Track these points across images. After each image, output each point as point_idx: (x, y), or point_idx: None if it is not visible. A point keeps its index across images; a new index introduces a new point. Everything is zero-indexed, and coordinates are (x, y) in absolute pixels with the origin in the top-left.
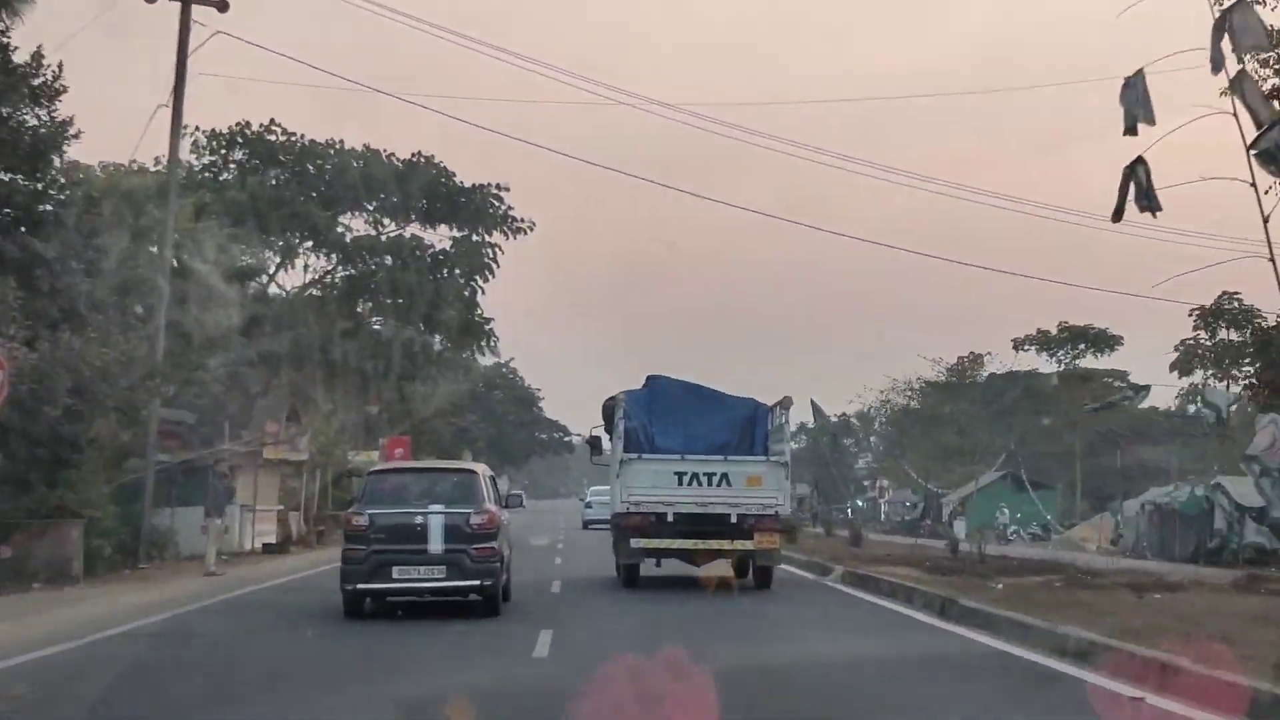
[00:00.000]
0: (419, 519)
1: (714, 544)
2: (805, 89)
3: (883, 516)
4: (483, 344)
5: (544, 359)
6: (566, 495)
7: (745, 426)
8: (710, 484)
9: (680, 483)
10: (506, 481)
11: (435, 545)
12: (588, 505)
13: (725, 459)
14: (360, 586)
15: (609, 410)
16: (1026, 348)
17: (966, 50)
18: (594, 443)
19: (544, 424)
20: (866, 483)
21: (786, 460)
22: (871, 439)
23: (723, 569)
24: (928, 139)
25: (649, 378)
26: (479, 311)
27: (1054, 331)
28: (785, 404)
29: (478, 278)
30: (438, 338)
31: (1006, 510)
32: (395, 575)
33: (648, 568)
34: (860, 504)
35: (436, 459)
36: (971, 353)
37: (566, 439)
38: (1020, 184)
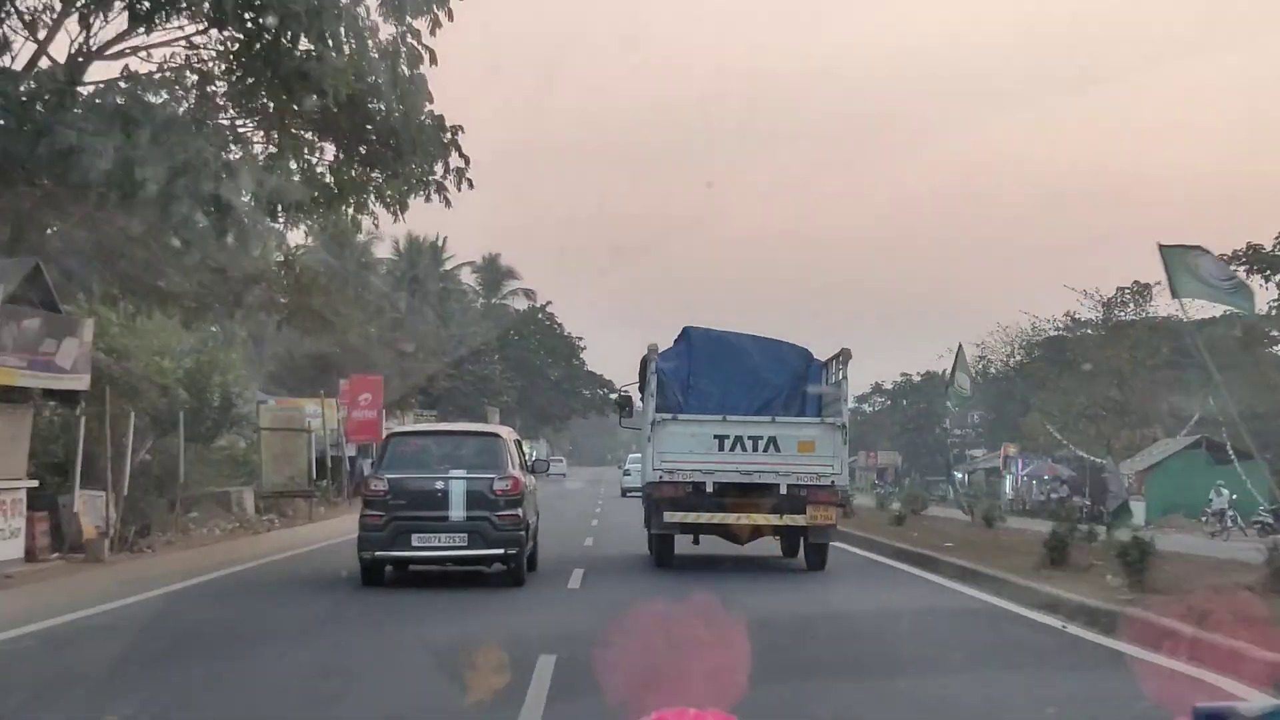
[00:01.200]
0: (440, 484)
1: (760, 518)
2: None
3: (1009, 492)
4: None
5: (585, 307)
6: (614, 463)
7: (795, 383)
8: (756, 449)
9: (721, 447)
10: (545, 446)
11: (457, 512)
12: (625, 473)
13: (773, 420)
14: (379, 554)
15: (641, 367)
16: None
17: None
18: (622, 403)
19: (586, 379)
20: (971, 453)
21: (844, 423)
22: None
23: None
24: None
25: (685, 329)
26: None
27: (1272, 247)
28: (844, 357)
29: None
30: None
31: (1225, 490)
32: (415, 543)
33: (684, 545)
34: (960, 476)
35: (449, 421)
36: (1136, 283)
37: (612, 395)
38: None
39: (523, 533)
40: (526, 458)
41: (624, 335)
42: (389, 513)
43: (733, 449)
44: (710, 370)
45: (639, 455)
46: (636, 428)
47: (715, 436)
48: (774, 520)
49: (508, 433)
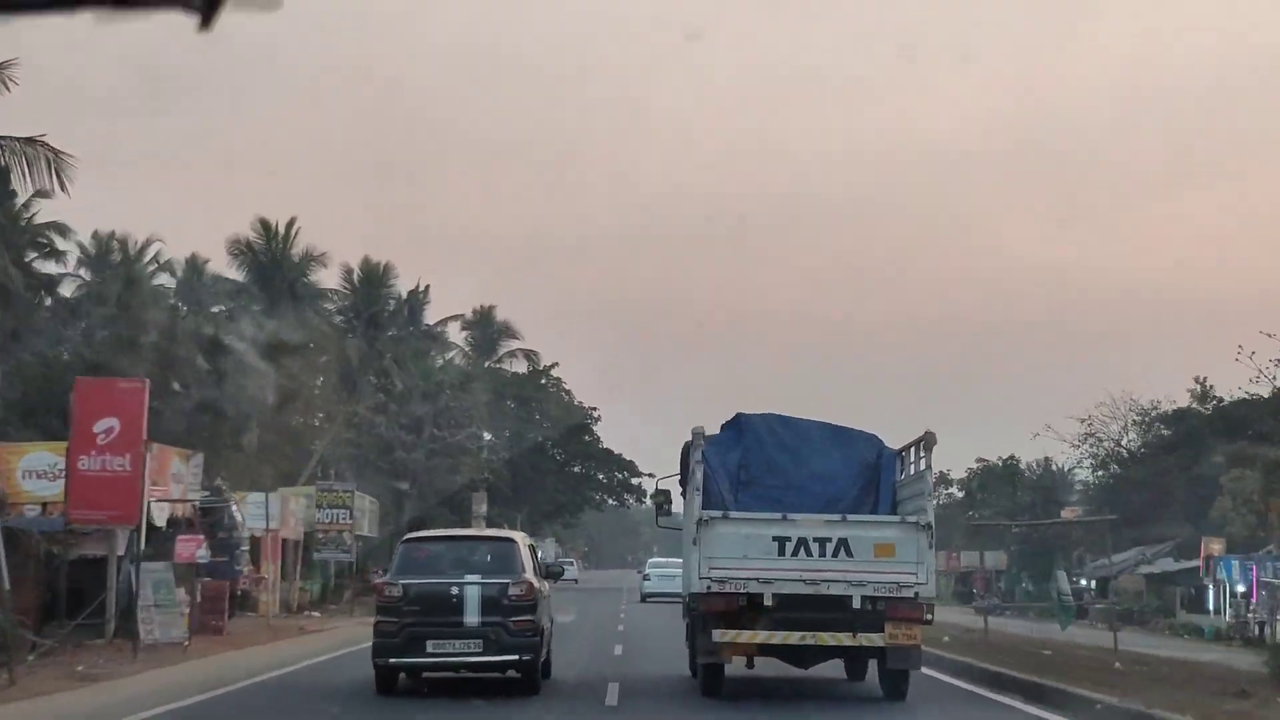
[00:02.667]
0: (454, 589)
1: (828, 637)
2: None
3: (1216, 607)
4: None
5: (601, 384)
6: (636, 565)
7: (866, 476)
8: (823, 554)
9: (781, 552)
10: (553, 546)
11: (471, 617)
12: (645, 578)
13: (844, 519)
14: (393, 661)
15: (683, 456)
16: None
17: None
18: (660, 500)
19: (601, 459)
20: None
21: (929, 521)
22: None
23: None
24: None
25: (738, 415)
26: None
27: None
28: (926, 442)
29: None
30: None
31: None
32: (430, 649)
33: (736, 666)
34: (1085, 584)
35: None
36: None
37: (635, 480)
38: None
39: (537, 639)
40: (540, 562)
41: (647, 421)
42: (402, 619)
43: (795, 553)
44: (767, 461)
45: (664, 561)
46: (676, 528)
47: (774, 539)
48: (846, 640)
49: (521, 537)
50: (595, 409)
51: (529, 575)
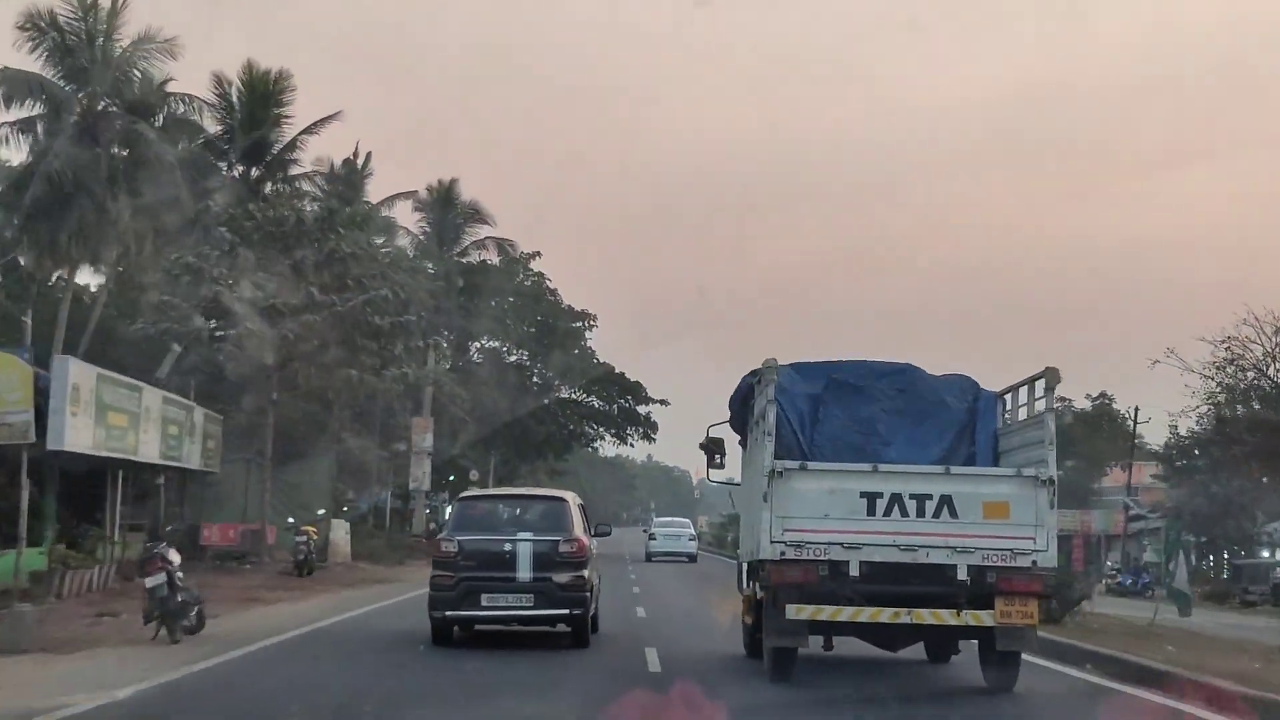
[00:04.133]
0: (508, 546)
1: (927, 614)
2: None
3: None
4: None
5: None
6: (631, 523)
7: (959, 422)
8: (922, 513)
9: (871, 510)
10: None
11: (524, 573)
12: (651, 537)
13: (947, 472)
14: (449, 614)
15: (743, 395)
16: None
17: None
18: (712, 448)
19: (596, 377)
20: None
21: (1051, 475)
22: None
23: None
24: None
25: (795, 365)
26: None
27: None
28: (1049, 380)
29: None
30: None
31: None
32: (484, 602)
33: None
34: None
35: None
36: None
37: (641, 409)
38: None
39: (587, 594)
40: (589, 520)
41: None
42: (458, 573)
43: (888, 513)
44: (845, 405)
45: (670, 520)
46: (728, 483)
47: (863, 495)
48: (949, 619)
49: (572, 497)
50: (591, 314)
51: (579, 533)
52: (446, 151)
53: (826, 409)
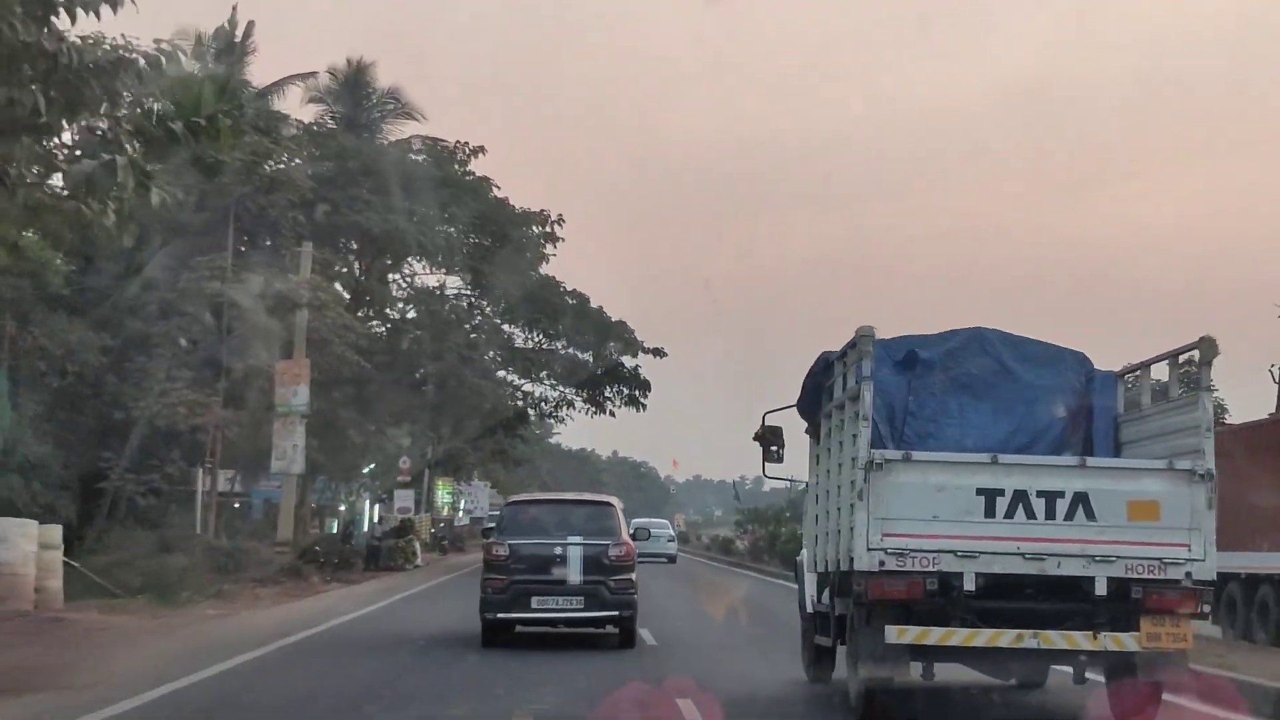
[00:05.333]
0: (558, 550)
1: (1058, 638)
2: None
3: None
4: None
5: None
6: None
7: (1072, 404)
8: (1051, 514)
9: (990, 511)
10: (486, 492)
11: (574, 576)
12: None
13: (1083, 464)
14: (500, 616)
15: (819, 375)
16: None
17: None
18: (769, 438)
19: (565, 310)
20: None
21: (1210, 468)
22: None
23: None
24: None
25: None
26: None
27: None
28: (1204, 354)
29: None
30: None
31: None
32: (534, 605)
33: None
34: None
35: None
36: None
37: (629, 364)
38: None
39: (635, 596)
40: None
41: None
42: (510, 576)
43: (1010, 514)
44: (937, 386)
45: (645, 521)
46: (786, 479)
47: (980, 492)
48: (1083, 642)
49: (617, 501)
50: (552, 216)
51: (626, 537)
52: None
53: (919, 391)
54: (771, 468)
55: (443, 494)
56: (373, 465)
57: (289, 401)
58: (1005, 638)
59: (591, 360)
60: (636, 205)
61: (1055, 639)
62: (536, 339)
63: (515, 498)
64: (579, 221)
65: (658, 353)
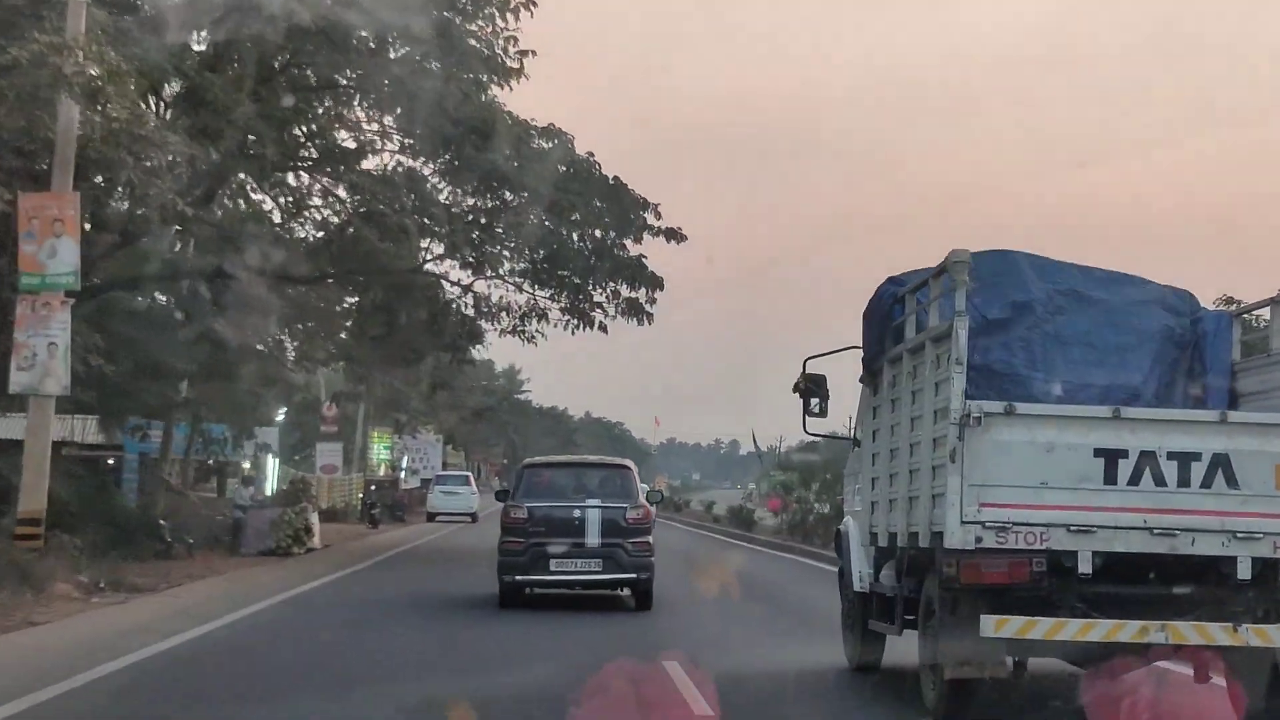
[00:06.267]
0: (577, 512)
1: (1190, 631)
2: None
3: None
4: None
5: None
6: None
7: (1175, 349)
8: (1185, 481)
9: (1112, 477)
10: (437, 449)
11: (593, 538)
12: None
13: (1222, 420)
14: (519, 578)
15: (886, 310)
16: None
17: None
18: (812, 388)
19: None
20: None
21: None
22: None
23: None
24: None
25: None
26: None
27: None
28: None
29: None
30: None
31: None
32: (553, 567)
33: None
34: None
35: None
36: None
37: (636, 260)
38: None
39: (653, 559)
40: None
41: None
42: (528, 539)
43: (1135, 480)
44: (1051, 324)
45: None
46: (829, 436)
47: (1099, 454)
48: (1221, 637)
49: (633, 465)
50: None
51: (644, 500)
52: None
53: (1027, 335)
54: (813, 423)
55: (379, 449)
56: (284, 410)
57: (43, 267)
58: (1127, 631)
59: (578, 240)
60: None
61: (1187, 633)
62: (488, 202)
63: (531, 460)
64: None
65: (674, 236)
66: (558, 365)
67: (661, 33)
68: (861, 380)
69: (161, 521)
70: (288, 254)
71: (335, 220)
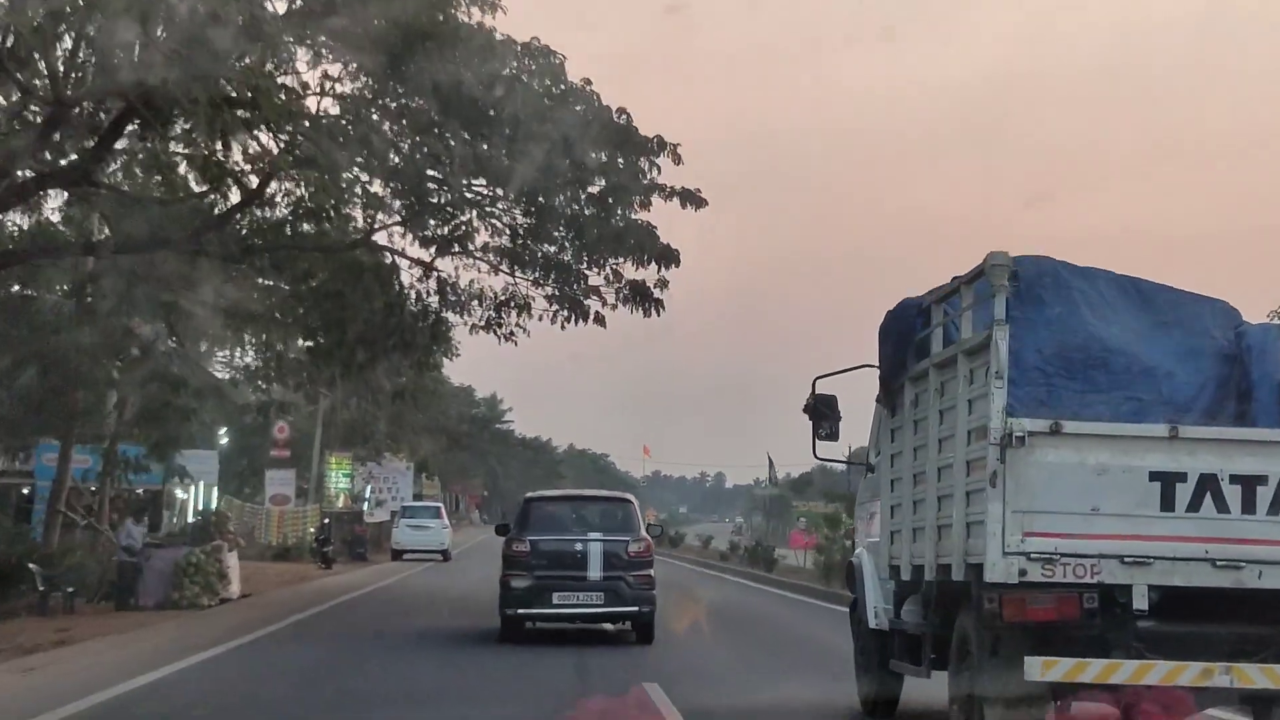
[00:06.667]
0: (579, 546)
1: (1257, 674)
2: None
3: None
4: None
5: None
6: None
7: (1219, 366)
8: (1253, 507)
9: (1169, 502)
10: (410, 479)
11: (594, 572)
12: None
13: None
14: (521, 611)
15: (908, 323)
16: None
17: None
18: (822, 409)
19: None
20: None
21: None
22: None
23: None
24: None
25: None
26: None
27: None
28: None
29: None
30: None
31: None
32: (555, 601)
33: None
34: None
35: None
36: None
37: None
38: None
39: (654, 592)
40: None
41: None
42: (530, 572)
43: (1194, 506)
44: (1071, 338)
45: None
46: (842, 462)
47: (1154, 477)
48: None
49: (634, 499)
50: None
51: (645, 534)
52: None
53: (1046, 346)
54: (824, 447)
55: (337, 476)
56: (225, 433)
57: None
58: (1188, 674)
59: (569, 200)
60: None
61: (1254, 675)
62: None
63: (533, 494)
64: None
65: (692, 200)
66: (541, 394)
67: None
68: (878, 400)
69: (31, 566)
70: (202, 223)
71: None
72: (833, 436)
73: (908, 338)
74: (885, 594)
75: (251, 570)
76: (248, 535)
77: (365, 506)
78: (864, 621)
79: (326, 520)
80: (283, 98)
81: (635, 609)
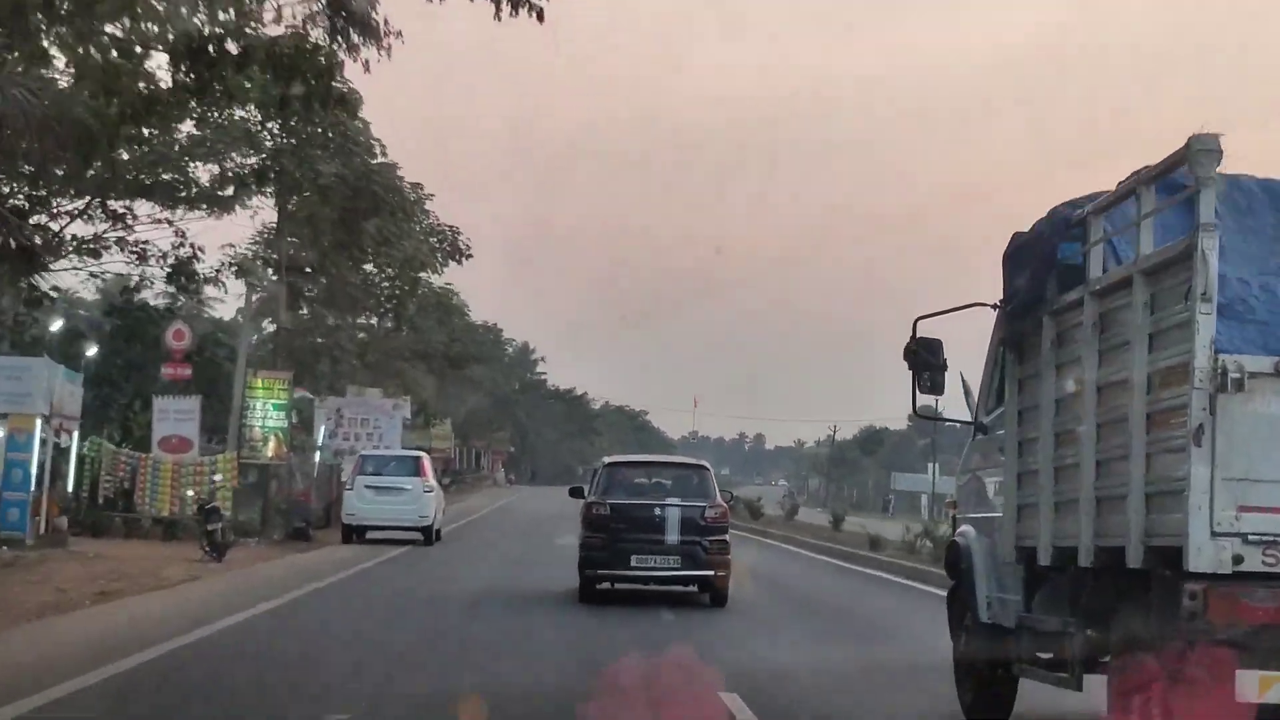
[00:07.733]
0: (657, 510)
1: None
2: None
3: None
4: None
5: None
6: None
7: None
8: None
9: None
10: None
11: (672, 536)
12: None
13: None
14: (601, 572)
15: (1049, 241)
16: None
17: None
18: (925, 355)
19: None
20: None
21: None
22: None
23: None
24: None
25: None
26: None
27: None
28: None
29: None
30: None
31: None
32: (634, 563)
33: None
34: None
35: None
36: None
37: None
38: None
39: (729, 557)
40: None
41: None
42: (610, 534)
43: None
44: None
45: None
46: (942, 419)
47: None
48: None
49: (710, 465)
50: None
51: (720, 499)
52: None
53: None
54: (925, 400)
55: (263, 409)
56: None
57: None
58: None
59: None
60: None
61: None
62: None
63: (612, 459)
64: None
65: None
66: (578, 347)
67: (672, 33)
68: (1002, 343)
69: None
70: None
71: None
72: (937, 389)
73: (1048, 262)
74: (1001, 581)
75: (80, 572)
76: (125, 497)
77: (319, 456)
78: (972, 614)
79: (217, 481)
80: None
81: (710, 573)
